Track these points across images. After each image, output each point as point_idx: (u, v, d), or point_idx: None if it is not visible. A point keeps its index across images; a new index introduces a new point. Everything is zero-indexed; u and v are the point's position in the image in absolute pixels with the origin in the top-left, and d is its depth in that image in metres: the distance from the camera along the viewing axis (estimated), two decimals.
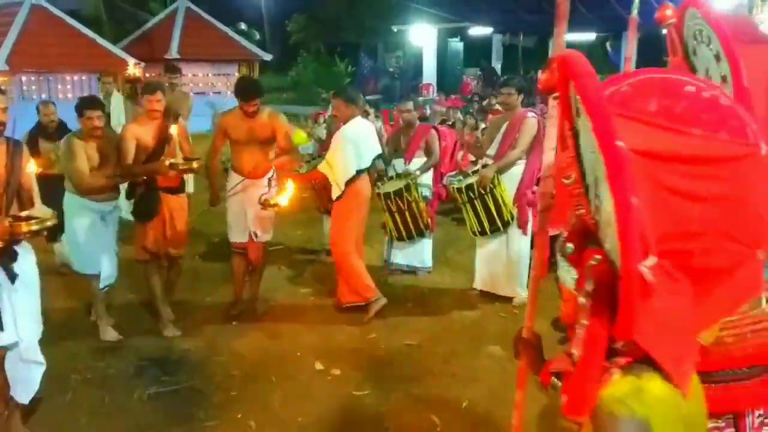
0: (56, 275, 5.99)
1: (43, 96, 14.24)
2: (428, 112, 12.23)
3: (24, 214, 3.56)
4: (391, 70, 24.11)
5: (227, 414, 4.02)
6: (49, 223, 3.53)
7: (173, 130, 4.89)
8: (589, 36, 21.08)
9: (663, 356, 1.50)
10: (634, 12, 2.68)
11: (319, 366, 4.61)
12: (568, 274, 1.58)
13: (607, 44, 22.89)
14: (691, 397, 1.59)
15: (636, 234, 1.40)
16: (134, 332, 5.10)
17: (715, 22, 2.23)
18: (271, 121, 5.22)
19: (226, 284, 5.82)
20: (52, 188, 4.75)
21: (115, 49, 15.67)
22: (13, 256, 3.55)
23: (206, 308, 5.64)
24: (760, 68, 2.21)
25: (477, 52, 24.71)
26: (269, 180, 5.29)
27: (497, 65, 23.29)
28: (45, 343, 4.64)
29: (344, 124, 5.40)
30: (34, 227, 3.45)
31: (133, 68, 11.95)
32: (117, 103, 8.42)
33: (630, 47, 2.75)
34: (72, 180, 4.86)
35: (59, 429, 3.87)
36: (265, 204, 5.07)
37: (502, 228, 5.56)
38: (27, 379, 3.71)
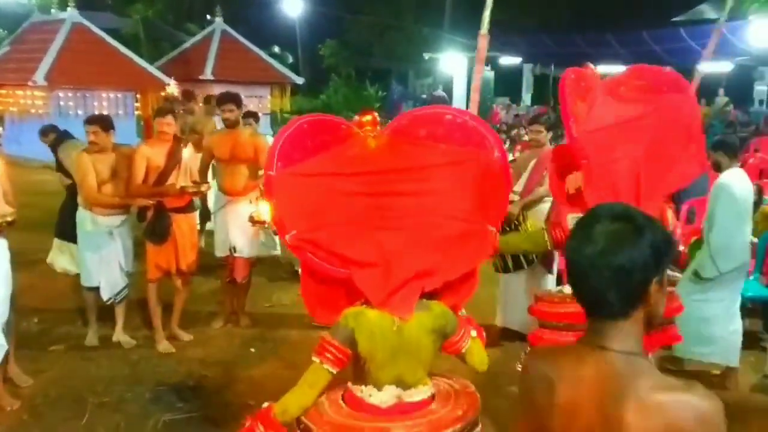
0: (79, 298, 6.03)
1: (80, 112, 14.57)
2: None
3: None
4: (424, 96, 24.22)
5: None
6: (9, 219, 3.98)
7: (185, 153, 5.10)
8: (620, 69, 20.98)
9: (366, 290, 2.56)
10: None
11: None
12: None
13: None
14: (411, 327, 2.52)
15: (278, 216, 2.69)
16: (153, 354, 5.11)
17: None
18: (253, 140, 5.48)
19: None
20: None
21: (152, 69, 16.00)
22: None
23: (225, 333, 5.65)
24: None
25: (508, 81, 24.72)
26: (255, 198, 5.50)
27: (527, 95, 23.27)
28: (63, 365, 4.67)
29: None
30: None
31: (174, 88, 12.28)
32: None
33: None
34: (81, 194, 5.05)
35: None
36: (252, 221, 5.32)
37: (526, 266, 5.48)
38: None
